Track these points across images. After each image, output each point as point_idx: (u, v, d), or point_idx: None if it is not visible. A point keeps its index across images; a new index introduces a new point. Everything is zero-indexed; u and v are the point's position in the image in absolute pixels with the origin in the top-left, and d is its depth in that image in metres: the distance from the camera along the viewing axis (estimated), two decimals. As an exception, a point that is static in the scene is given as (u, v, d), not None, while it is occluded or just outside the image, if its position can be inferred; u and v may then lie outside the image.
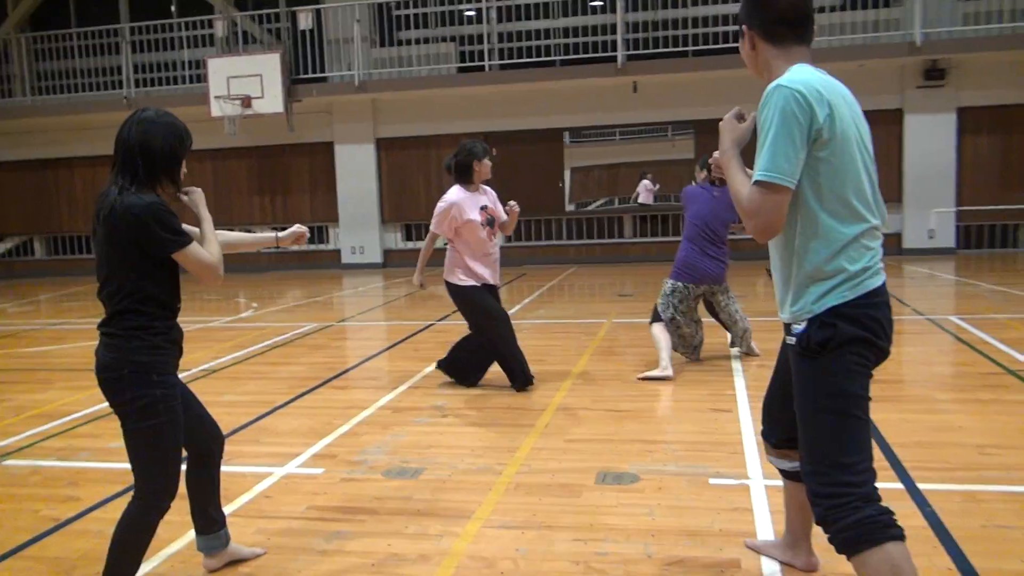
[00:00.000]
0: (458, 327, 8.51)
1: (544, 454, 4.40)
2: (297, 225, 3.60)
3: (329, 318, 9.87)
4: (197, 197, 2.90)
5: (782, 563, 3.01)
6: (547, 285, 12.03)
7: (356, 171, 15.75)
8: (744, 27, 2.41)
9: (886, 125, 13.60)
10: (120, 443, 4.90)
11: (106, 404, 5.66)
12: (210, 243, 2.82)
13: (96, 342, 2.81)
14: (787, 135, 2.15)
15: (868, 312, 2.29)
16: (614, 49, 14.14)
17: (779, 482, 3.80)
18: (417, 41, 15.39)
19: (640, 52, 14.17)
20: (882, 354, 2.37)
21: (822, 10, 13.79)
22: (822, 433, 2.29)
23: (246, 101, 14.70)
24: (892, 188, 13.83)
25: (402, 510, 3.71)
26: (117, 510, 3.80)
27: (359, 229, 15.70)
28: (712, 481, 3.91)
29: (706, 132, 14.54)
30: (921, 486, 3.72)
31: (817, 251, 2.27)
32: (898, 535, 2.21)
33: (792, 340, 2.35)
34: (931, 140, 13.47)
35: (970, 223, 13.86)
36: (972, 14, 13.19)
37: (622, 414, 5.14)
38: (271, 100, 14.75)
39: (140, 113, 2.74)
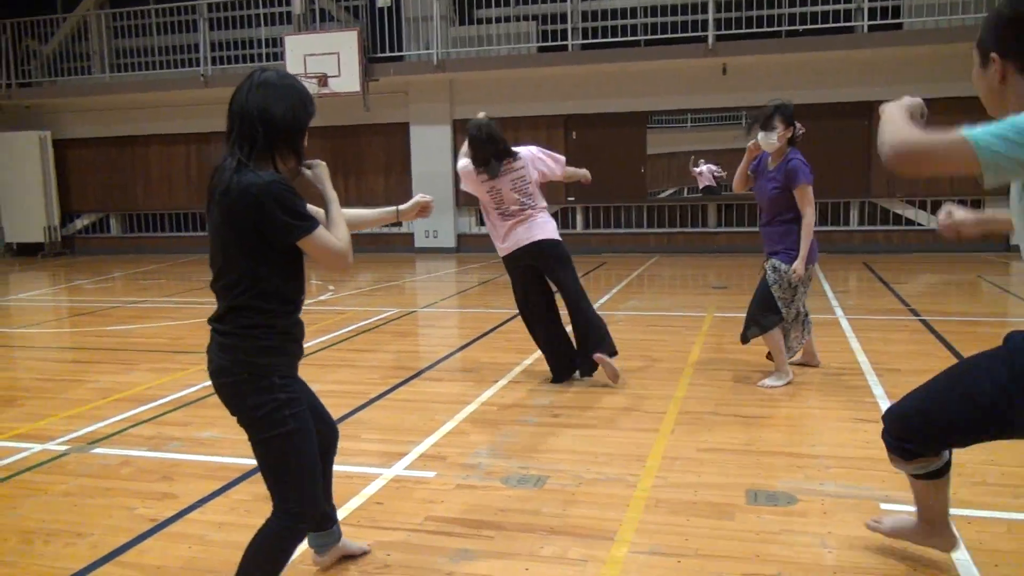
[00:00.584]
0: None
1: (679, 465, 3.94)
2: (420, 195, 3.32)
3: (411, 303, 9.52)
4: (322, 171, 2.53)
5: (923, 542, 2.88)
6: (632, 274, 11.52)
7: (431, 153, 15.38)
8: (994, 55, 2.09)
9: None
10: (213, 432, 4.65)
11: (195, 388, 5.27)
12: (338, 226, 2.45)
13: (206, 338, 2.43)
14: None
15: None
16: (703, 29, 13.48)
17: (965, 512, 3.31)
18: (497, 20, 14.91)
19: (730, 32, 13.49)
20: None
21: (932, -12, 12.94)
22: None
23: (322, 80, 14.42)
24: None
25: (532, 526, 3.29)
26: (217, 511, 3.50)
27: (433, 212, 15.33)
28: (884, 507, 3.40)
29: (802, 117, 13.79)
30: None
31: None
32: None
33: None
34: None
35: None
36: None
37: (753, 421, 4.64)
38: (347, 79, 14.45)
39: (259, 75, 2.36)
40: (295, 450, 2.38)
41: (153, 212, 17.48)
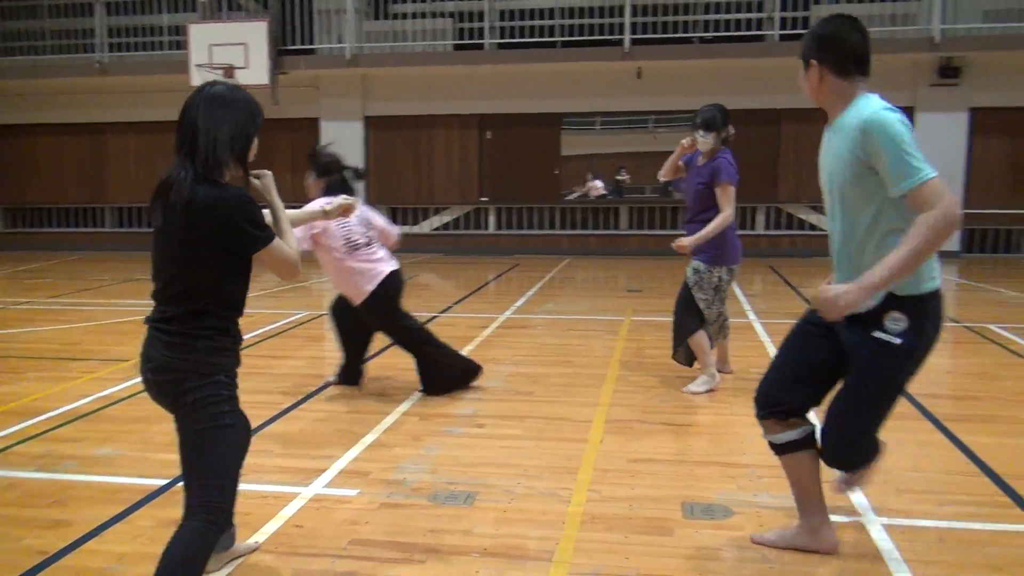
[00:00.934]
0: (466, 320, 7.92)
1: (611, 477, 3.83)
2: (343, 196, 3.51)
3: (320, 306, 9.18)
4: (269, 181, 2.64)
5: (805, 551, 3.03)
6: (546, 277, 11.45)
7: (342, 150, 14.85)
8: (813, 61, 2.77)
9: (896, 123, 13.16)
10: (110, 449, 4.28)
11: (90, 399, 4.89)
12: (288, 235, 2.57)
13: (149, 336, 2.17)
14: (914, 142, 2.55)
15: None
16: (619, 32, 13.55)
17: (900, 520, 3.31)
18: (413, 15, 14.62)
19: (646, 36, 13.58)
20: None
21: (841, 0, 13.33)
22: None
23: (229, 71, 13.84)
24: (899, 188, 13.43)
25: (466, 547, 3.12)
26: (117, 540, 3.18)
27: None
28: (818, 518, 3.36)
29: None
30: (1065, 531, 3.21)
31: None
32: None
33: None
34: (942, 140, 13.04)
35: (976, 226, 13.54)
36: (992, 12, 12.80)
37: (681, 429, 4.58)
38: (256, 71, 13.89)
39: (209, 89, 2.48)
40: (228, 444, 2.45)
41: (41, 206, 16.46)
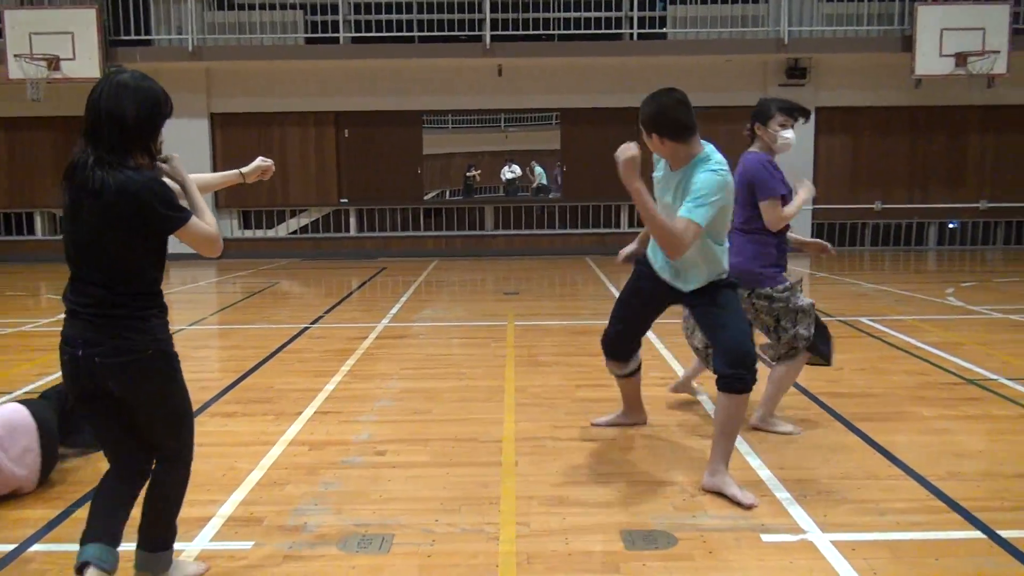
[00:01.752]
0: (341, 330, 7.36)
1: (537, 506, 3.50)
2: (260, 158, 3.38)
3: (174, 321, 8.37)
4: (178, 163, 2.67)
5: (629, 425, 4.52)
6: (417, 280, 11.02)
7: (185, 148, 13.74)
8: (652, 133, 3.52)
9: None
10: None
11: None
12: (204, 212, 2.64)
13: None
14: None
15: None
16: (479, 28, 13.28)
17: (848, 536, 3.17)
18: (260, 6, 13.77)
19: (506, 33, 13.38)
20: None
21: (693, 1, 13.61)
22: None
23: (53, 63, 12.58)
24: (754, 185, 13.90)
25: (393, 608, 2.70)
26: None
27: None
28: (765, 538, 3.16)
29: (571, 121, 14.03)
30: (1004, 533, 3.16)
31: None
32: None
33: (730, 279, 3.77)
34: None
35: (823, 221, 14.19)
36: (834, 15, 13.43)
37: (597, 446, 4.31)
38: (84, 63, 12.71)
39: (114, 76, 2.53)
40: (187, 401, 2.73)
41: None
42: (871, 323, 7.40)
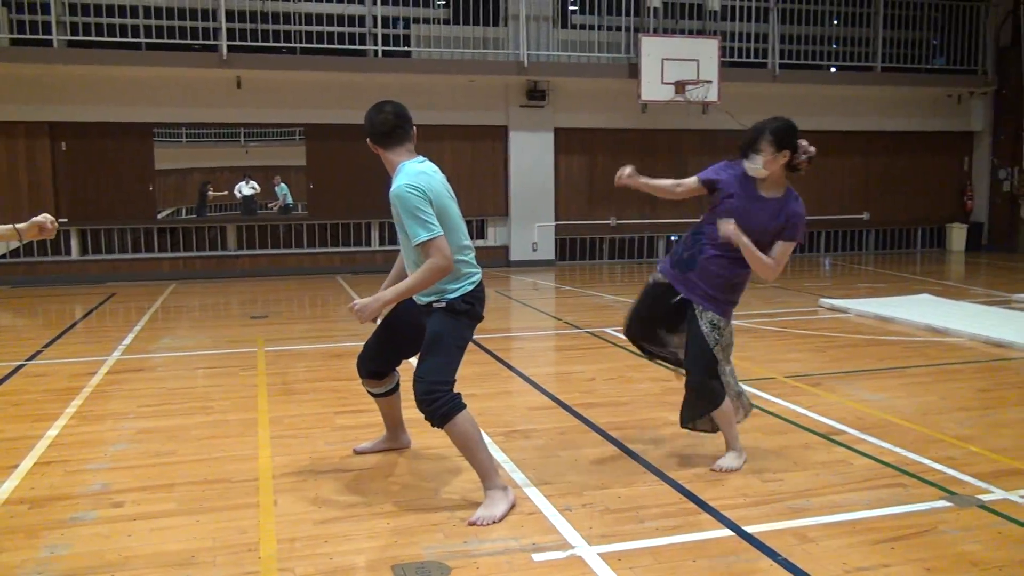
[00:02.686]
0: (65, 367, 6.54)
1: (300, 548, 3.28)
2: (43, 214, 3.12)
3: None
4: None
5: (392, 449, 4.44)
6: (152, 306, 10.15)
7: None
8: (368, 139, 3.68)
9: (493, 141, 14.02)
10: None
11: None
12: None
13: None
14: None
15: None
16: (215, 37, 12.56)
17: (613, 546, 3.27)
18: (-48, 1, 12.11)
19: (245, 44, 12.76)
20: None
21: (435, 21, 13.77)
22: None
23: None
24: (500, 203, 14.34)
25: None
26: None
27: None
28: (536, 557, 3.18)
29: (317, 138, 13.68)
30: (750, 529, 3.41)
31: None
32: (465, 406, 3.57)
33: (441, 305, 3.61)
34: (532, 157, 14.17)
35: (565, 236, 14.89)
36: (569, 41, 14.19)
37: (358, 475, 4.15)
38: None
39: None
40: None
41: None
42: (616, 333, 7.82)
